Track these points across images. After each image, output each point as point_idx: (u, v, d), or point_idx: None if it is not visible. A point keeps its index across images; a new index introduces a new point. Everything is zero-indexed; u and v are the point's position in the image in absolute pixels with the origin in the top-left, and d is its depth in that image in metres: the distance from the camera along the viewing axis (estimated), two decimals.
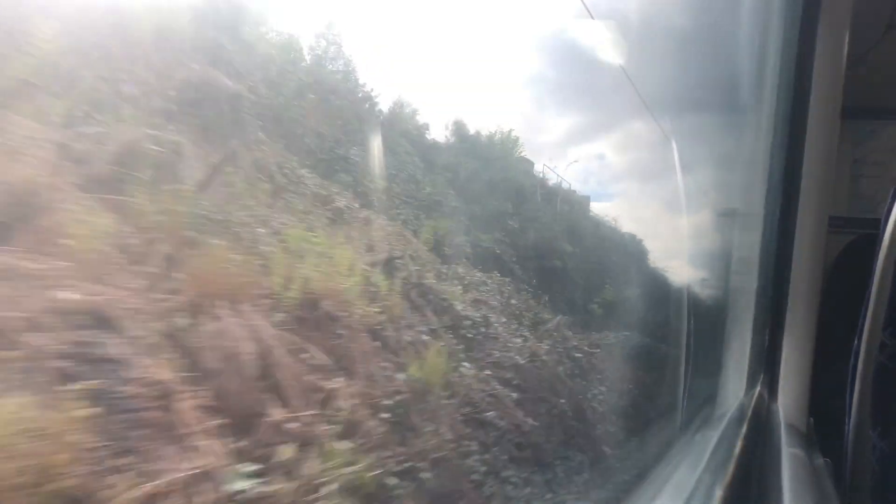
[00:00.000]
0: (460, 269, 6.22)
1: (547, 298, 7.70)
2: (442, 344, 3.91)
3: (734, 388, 1.94)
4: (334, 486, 2.16)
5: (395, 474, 2.59)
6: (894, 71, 2.20)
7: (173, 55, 3.49)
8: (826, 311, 1.67)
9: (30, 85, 2.32)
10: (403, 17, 5.89)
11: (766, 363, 1.76)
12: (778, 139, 1.87)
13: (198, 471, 1.75)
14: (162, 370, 1.90)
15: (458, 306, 4.97)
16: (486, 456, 3.45)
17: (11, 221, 1.88)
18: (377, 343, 3.33)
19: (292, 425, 2.24)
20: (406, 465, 2.70)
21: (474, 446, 3.44)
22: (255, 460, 1.99)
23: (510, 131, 8.97)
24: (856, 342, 0.95)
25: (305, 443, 2.23)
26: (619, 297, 8.37)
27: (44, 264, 1.86)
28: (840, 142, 1.72)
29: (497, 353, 5.01)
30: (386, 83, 6.88)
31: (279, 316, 2.64)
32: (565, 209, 10.11)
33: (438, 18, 6.53)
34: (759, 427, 1.47)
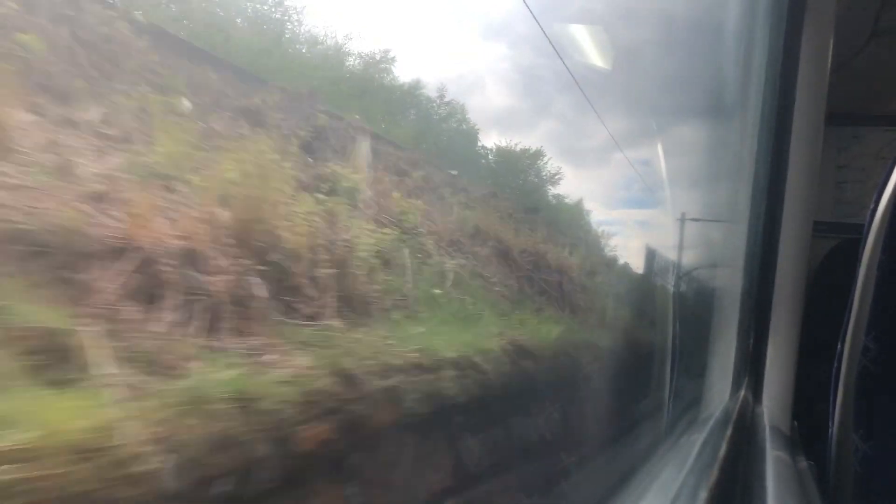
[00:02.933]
0: None
1: None
2: None
3: (719, 391, 1.95)
4: None
5: None
6: (879, 77, 2.22)
7: None
8: (810, 315, 1.68)
9: None
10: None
11: (750, 366, 1.77)
12: (763, 144, 1.88)
13: None
14: None
15: None
16: None
17: None
18: None
19: None
20: None
21: None
22: None
23: None
24: (839, 346, 0.96)
25: None
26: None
27: None
28: (825, 147, 1.74)
29: None
30: None
31: None
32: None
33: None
34: (744, 430, 1.48)
